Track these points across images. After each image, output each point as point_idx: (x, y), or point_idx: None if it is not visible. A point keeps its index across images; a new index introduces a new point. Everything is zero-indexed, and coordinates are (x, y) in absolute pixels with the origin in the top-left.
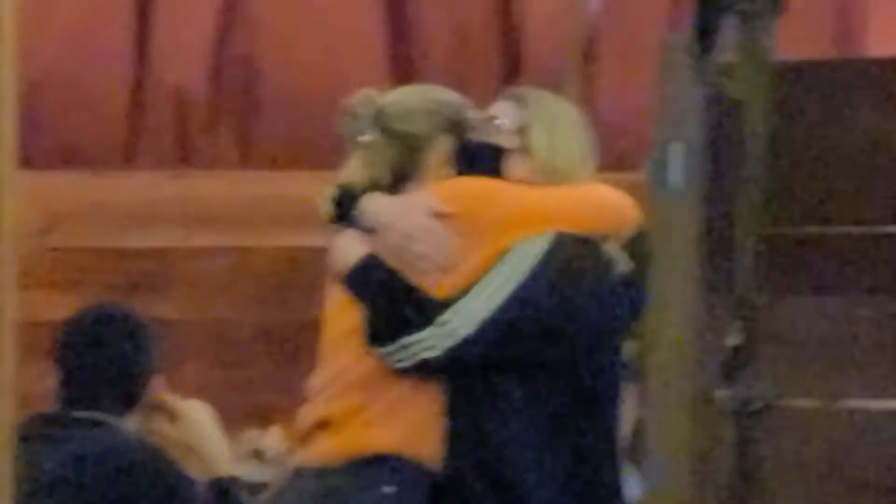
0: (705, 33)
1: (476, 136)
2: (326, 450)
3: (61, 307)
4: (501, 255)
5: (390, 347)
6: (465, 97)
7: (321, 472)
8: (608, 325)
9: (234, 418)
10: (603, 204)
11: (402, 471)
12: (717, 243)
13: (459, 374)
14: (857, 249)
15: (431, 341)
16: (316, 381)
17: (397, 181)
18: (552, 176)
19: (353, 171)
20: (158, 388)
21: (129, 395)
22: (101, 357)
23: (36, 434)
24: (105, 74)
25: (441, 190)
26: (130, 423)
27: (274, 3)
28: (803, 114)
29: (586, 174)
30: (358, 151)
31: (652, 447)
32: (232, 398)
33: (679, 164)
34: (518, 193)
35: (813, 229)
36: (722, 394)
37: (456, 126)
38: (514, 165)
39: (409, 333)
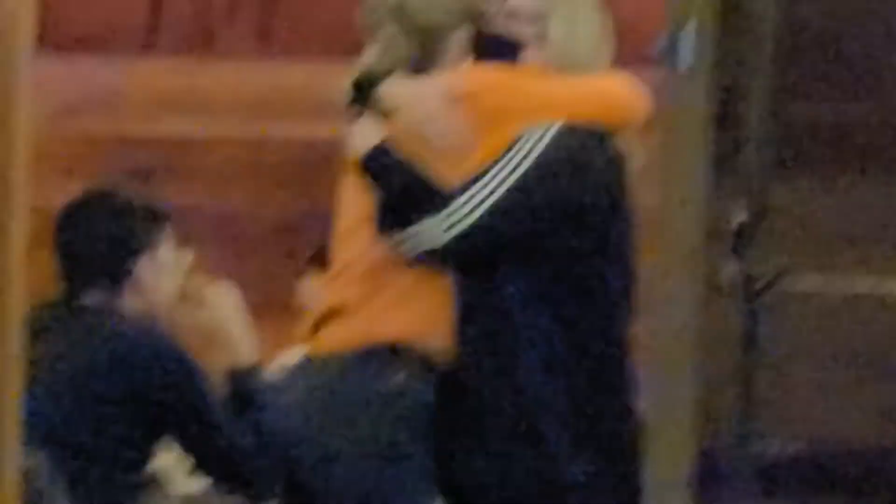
0: None
1: (493, 26)
2: (336, 338)
3: (77, 194)
4: (509, 143)
5: (399, 235)
6: None
7: (330, 361)
8: (615, 219)
9: (248, 310)
10: (613, 96)
11: (410, 360)
12: (725, 122)
13: (467, 263)
14: (866, 130)
15: (438, 229)
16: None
17: (416, 71)
18: (568, 66)
19: (372, 60)
20: (149, 268)
21: (113, 277)
22: (84, 239)
23: (38, 327)
24: None
25: (454, 77)
26: (122, 305)
27: None
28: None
29: (603, 64)
30: (377, 41)
31: (658, 325)
32: (246, 289)
33: (690, 43)
34: (527, 82)
35: (822, 109)
36: (728, 270)
37: (476, 16)
38: (531, 54)
39: (419, 221)
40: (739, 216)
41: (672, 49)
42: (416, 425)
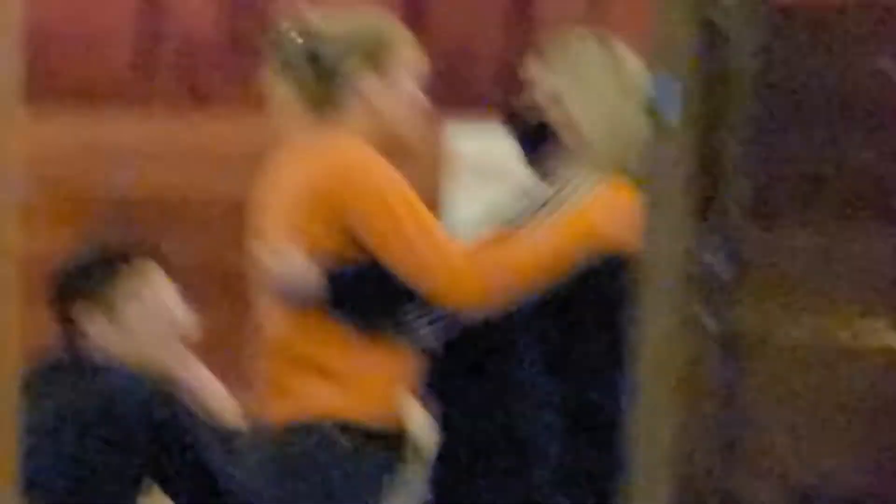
0: None
1: (527, 115)
2: (282, 410)
3: (62, 245)
4: None
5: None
6: (470, 38)
7: (277, 432)
8: (620, 279)
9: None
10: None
11: (356, 433)
12: (708, 176)
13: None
14: (846, 182)
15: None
16: (268, 335)
17: (318, 109)
18: (595, 126)
19: (277, 95)
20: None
21: (105, 319)
22: (76, 285)
23: (38, 382)
24: (114, 14)
25: None
26: (122, 349)
27: None
28: (801, 54)
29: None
30: (282, 75)
31: (637, 375)
32: (237, 345)
33: (673, 99)
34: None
35: (804, 164)
36: (710, 323)
37: (382, 58)
38: (563, 125)
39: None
40: (721, 268)
41: (655, 105)
42: (365, 491)
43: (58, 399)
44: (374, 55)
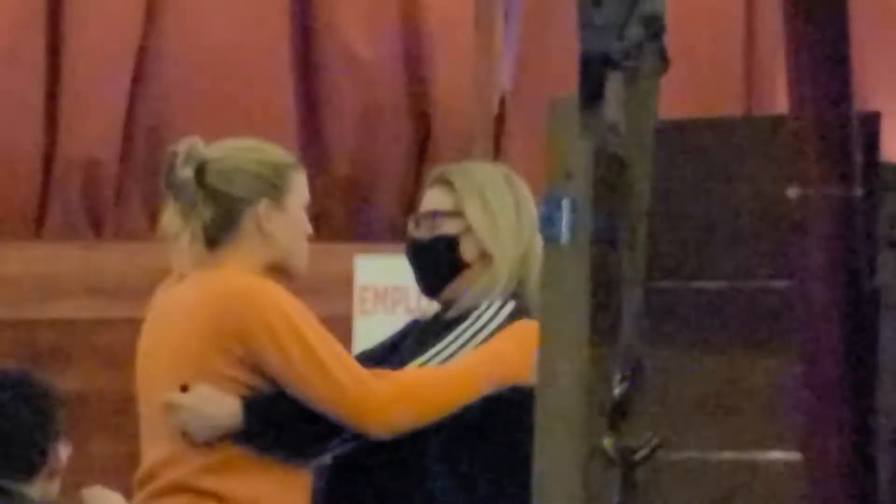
0: (591, 90)
1: (420, 233)
2: None
3: None
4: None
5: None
6: (373, 169)
7: None
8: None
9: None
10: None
11: None
12: (603, 296)
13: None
14: (738, 304)
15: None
16: (150, 461)
17: (212, 238)
18: (486, 240)
19: (170, 223)
20: (62, 456)
21: (30, 462)
22: (3, 426)
23: None
24: (14, 144)
25: None
26: (35, 491)
27: (184, 72)
28: (686, 170)
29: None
30: (174, 202)
31: (537, 493)
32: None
33: (566, 219)
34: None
35: (695, 283)
36: (607, 443)
37: (278, 190)
38: (467, 249)
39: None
40: (616, 388)
41: (549, 225)
42: None
43: None
44: (269, 183)
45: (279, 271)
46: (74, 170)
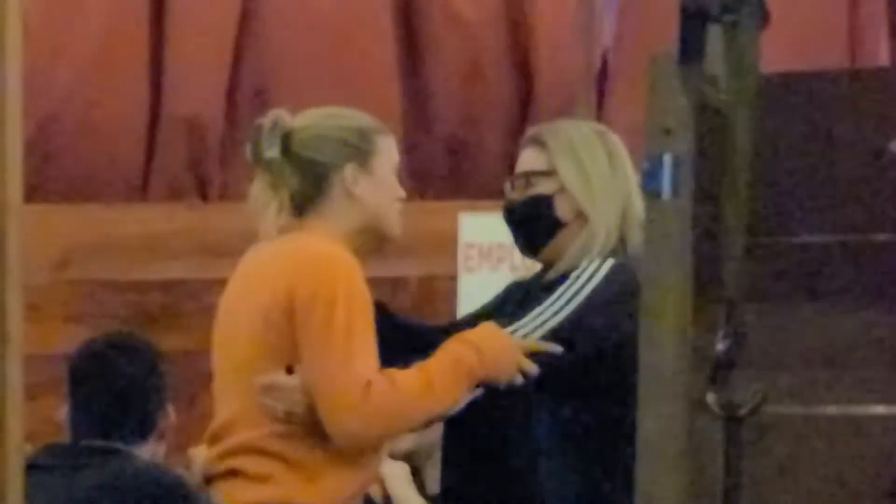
0: (691, 44)
1: (515, 195)
2: (245, 496)
3: (77, 340)
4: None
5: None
6: (477, 128)
7: None
8: None
9: None
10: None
11: None
12: (705, 251)
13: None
14: (842, 258)
15: None
16: (221, 420)
17: (300, 206)
18: (580, 198)
19: (258, 194)
20: (171, 417)
21: (142, 423)
22: (113, 385)
23: (49, 464)
24: (119, 107)
25: None
26: (146, 452)
27: (288, 34)
28: (789, 125)
29: (624, 197)
30: (262, 173)
31: (642, 449)
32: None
33: (667, 175)
34: None
35: (798, 238)
36: (710, 398)
37: (364, 154)
38: (562, 208)
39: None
40: (720, 343)
41: (650, 181)
42: None
43: (70, 484)
44: (354, 147)
45: (372, 234)
46: (180, 131)
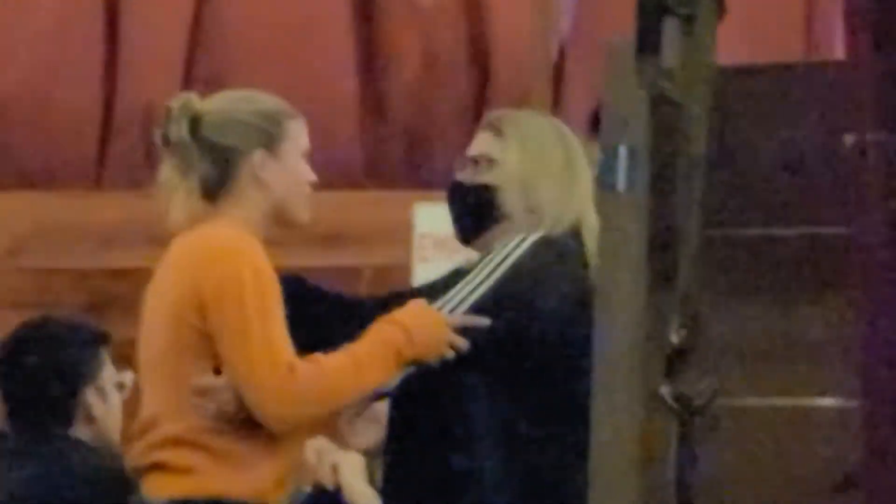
0: (648, 36)
1: (463, 177)
2: (165, 486)
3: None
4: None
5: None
6: (433, 118)
7: None
8: (581, 325)
9: None
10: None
11: None
12: (660, 244)
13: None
14: (796, 252)
15: None
16: (146, 414)
17: (209, 191)
18: (530, 193)
19: (166, 178)
20: (93, 401)
21: (64, 406)
22: (18, 370)
23: None
24: (74, 95)
25: None
26: (80, 433)
27: (245, 22)
28: (745, 117)
29: (569, 193)
30: (170, 156)
31: (596, 442)
32: None
33: (622, 167)
34: None
35: (754, 231)
36: (664, 391)
37: (273, 139)
38: (507, 199)
39: None
40: (675, 337)
41: (605, 172)
42: None
43: (17, 475)
44: (263, 131)
45: (279, 220)
46: (133, 120)
